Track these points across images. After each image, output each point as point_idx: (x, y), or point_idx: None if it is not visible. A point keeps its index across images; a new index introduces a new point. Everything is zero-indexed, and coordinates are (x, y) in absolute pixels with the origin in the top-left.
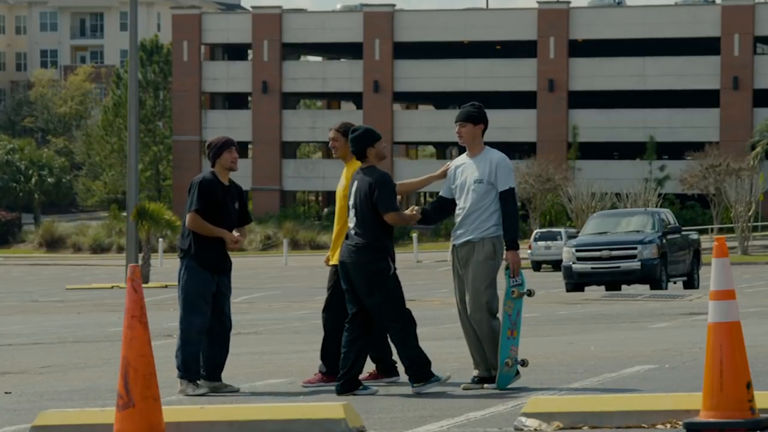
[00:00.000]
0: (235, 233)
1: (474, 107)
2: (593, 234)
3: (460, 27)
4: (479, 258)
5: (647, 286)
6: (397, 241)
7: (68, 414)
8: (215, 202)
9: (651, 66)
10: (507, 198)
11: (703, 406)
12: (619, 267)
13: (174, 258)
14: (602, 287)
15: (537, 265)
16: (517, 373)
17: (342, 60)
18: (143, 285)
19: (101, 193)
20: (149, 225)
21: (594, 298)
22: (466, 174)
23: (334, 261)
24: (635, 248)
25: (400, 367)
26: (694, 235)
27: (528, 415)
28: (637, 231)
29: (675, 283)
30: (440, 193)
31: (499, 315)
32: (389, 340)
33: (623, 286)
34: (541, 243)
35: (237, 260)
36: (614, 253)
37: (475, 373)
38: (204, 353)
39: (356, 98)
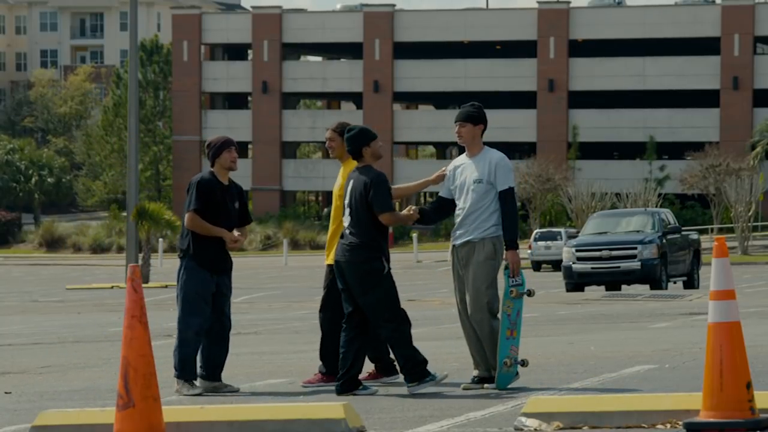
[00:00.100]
0: (236, 233)
1: (473, 107)
2: (593, 234)
3: (460, 27)
4: (480, 258)
5: (647, 286)
6: (397, 241)
7: (68, 414)
8: (213, 202)
9: (651, 66)
10: (506, 197)
11: (703, 406)
12: (619, 267)
13: (174, 258)
14: (602, 287)
15: (537, 265)
16: (516, 373)
17: (342, 60)
18: (143, 285)
19: (101, 193)
20: (149, 225)
21: (594, 298)
22: (465, 174)
23: (329, 261)
24: (635, 248)
25: None
26: (694, 235)
27: (528, 415)
28: (637, 231)
29: (675, 283)
30: (440, 194)
31: (500, 315)
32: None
33: (623, 286)
34: (541, 243)
35: (237, 260)
36: (614, 253)
37: (475, 373)
38: (203, 353)
39: (356, 98)
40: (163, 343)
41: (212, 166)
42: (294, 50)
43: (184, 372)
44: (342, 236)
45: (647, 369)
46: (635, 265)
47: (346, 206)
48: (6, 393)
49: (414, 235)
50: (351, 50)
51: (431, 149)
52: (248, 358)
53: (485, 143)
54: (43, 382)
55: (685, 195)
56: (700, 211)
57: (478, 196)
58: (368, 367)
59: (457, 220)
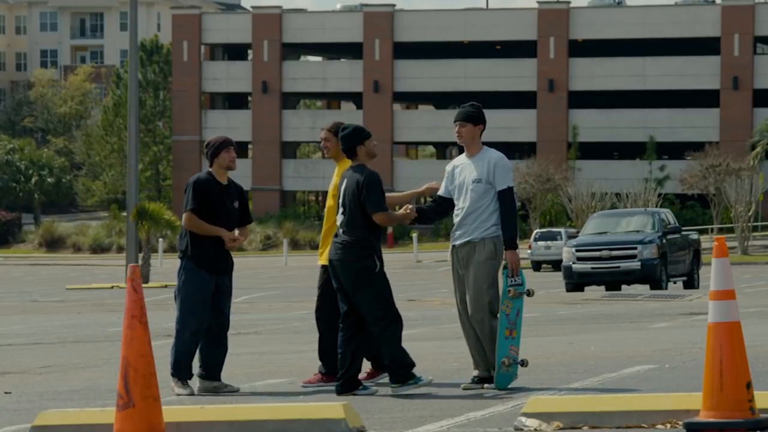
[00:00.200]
0: (236, 233)
1: (473, 107)
2: (593, 234)
3: (459, 27)
4: (480, 258)
5: (647, 286)
6: (397, 241)
7: (68, 414)
8: (211, 202)
9: (651, 66)
10: (505, 197)
11: (703, 406)
12: (619, 267)
13: (174, 258)
14: (602, 287)
15: (537, 265)
16: (515, 373)
17: (342, 60)
18: (143, 285)
19: (101, 193)
20: (149, 225)
21: (594, 298)
22: (464, 174)
23: (323, 261)
24: (635, 248)
25: None
26: (694, 235)
27: (528, 415)
28: (637, 231)
29: (675, 283)
30: (438, 193)
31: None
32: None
33: (623, 286)
34: (541, 243)
35: (237, 260)
36: (614, 253)
37: (475, 373)
38: (202, 353)
39: (356, 98)
40: (163, 343)
41: (211, 166)
42: (294, 50)
43: (179, 371)
44: (335, 235)
45: (647, 369)
46: (635, 265)
47: (339, 205)
48: (6, 393)
49: (414, 235)
50: (351, 50)
51: (431, 149)
52: (248, 358)
53: (485, 143)
54: (43, 382)
55: (685, 195)
56: (700, 211)
57: (477, 195)
58: (366, 367)
59: (456, 220)
